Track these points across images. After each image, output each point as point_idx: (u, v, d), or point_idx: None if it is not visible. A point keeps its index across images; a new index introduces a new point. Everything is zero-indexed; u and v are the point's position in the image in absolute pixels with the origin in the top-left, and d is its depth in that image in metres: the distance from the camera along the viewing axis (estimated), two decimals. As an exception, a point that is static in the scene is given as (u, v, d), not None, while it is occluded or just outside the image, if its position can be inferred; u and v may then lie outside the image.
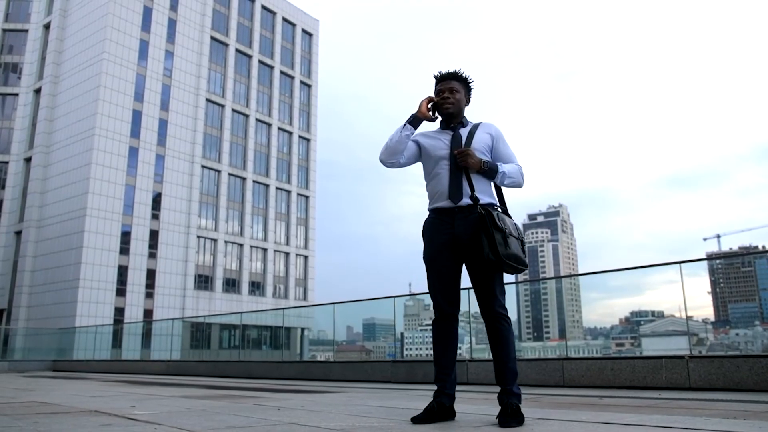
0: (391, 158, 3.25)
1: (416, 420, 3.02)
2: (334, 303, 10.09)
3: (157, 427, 3.02)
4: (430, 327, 3.38)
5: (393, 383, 7.92)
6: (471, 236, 3.07)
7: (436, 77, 3.33)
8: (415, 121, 3.24)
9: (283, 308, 26.68)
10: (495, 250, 2.96)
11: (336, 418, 3.38)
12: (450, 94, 3.25)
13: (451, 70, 3.30)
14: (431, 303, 3.32)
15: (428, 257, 3.22)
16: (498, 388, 3.10)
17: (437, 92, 3.30)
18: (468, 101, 3.34)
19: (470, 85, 3.33)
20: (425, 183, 3.36)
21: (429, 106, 3.25)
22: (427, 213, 3.31)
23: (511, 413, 2.90)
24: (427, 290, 3.27)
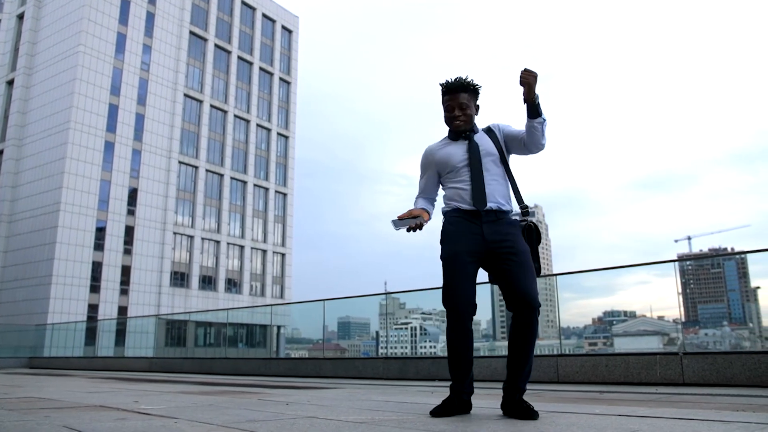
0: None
1: (435, 413, 3.03)
2: (324, 300, 10.05)
3: (177, 421, 3.00)
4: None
5: (385, 380, 7.94)
6: (501, 239, 3.06)
7: (443, 88, 3.24)
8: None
9: (271, 305, 26.54)
10: (539, 262, 3.14)
11: (351, 412, 3.38)
12: (460, 111, 3.19)
13: (458, 79, 3.21)
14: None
15: (451, 254, 3.10)
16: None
17: (446, 106, 3.23)
18: (477, 110, 3.28)
19: (478, 92, 3.26)
20: (443, 189, 3.30)
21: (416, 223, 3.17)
22: (445, 215, 3.23)
23: (526, 406, 2.94)
24: (442, 289, 3.11)
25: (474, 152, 3.18)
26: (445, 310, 3.13)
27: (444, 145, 3.30)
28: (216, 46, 54.93)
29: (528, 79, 3.03)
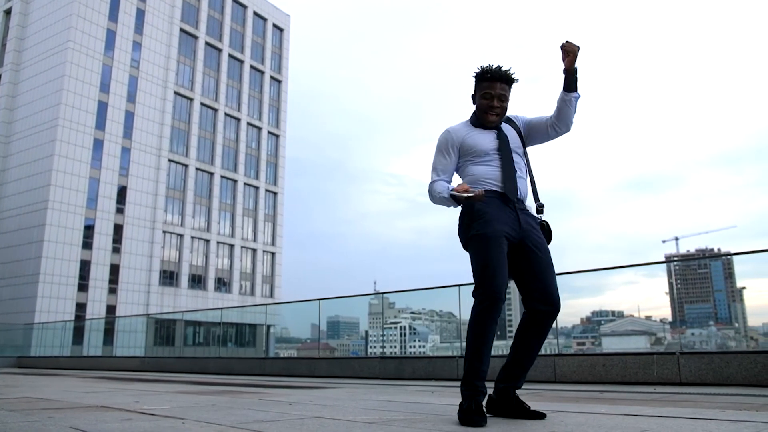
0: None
1: (475, 422, 2.63)
2: (319, 299, 10.04)
3: (184, 422, 2.98)
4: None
5: (381, 379, 7.94)
6: (531, 230, 3.01)
7: (484, 72, 3.06)
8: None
9: (265, 304, 26.45)
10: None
11: (357, 412, 3.38)
12: (499, 103, 3.06)
13: (499, 68, 3.05)
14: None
15: (494, 233, 2.88)
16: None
17: (483, 92, 3.07)
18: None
19: (512, 85, 3.11)
20: (468, 168, 3.11)
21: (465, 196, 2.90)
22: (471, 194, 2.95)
23: (527, 406, 2.92)
24: (480, 271, 2.86)
25: (504, 142, 3.08)
26: (477, 295, 2.86)
27: (469, 130, 3.13)
28: (207, 43, 54.66)
29: (574, 48, 2.97)
